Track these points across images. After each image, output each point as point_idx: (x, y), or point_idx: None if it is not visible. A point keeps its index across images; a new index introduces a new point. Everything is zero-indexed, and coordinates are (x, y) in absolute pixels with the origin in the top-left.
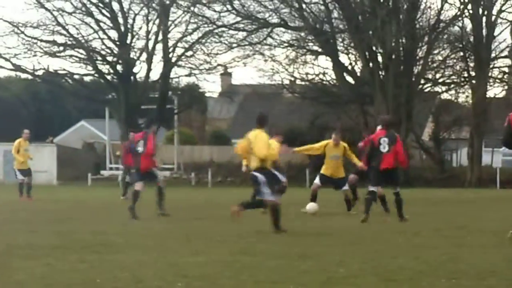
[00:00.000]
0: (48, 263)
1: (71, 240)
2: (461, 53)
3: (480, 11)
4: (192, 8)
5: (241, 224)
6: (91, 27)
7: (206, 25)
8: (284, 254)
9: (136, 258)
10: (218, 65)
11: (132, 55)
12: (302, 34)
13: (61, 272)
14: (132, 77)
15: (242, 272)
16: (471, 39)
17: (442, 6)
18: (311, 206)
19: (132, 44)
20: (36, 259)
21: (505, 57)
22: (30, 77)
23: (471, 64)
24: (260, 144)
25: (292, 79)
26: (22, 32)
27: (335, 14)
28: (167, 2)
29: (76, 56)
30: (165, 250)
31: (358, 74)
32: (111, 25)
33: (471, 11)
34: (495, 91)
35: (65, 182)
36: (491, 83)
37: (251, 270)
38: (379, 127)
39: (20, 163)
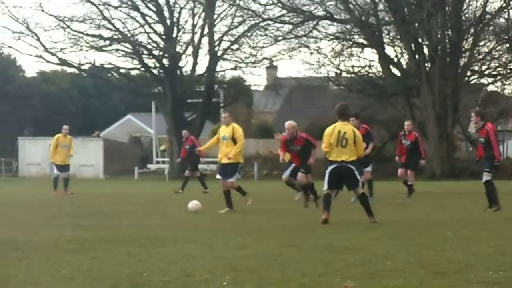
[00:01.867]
0: (95, 257)
1: (118, 234)
2: (507, 45)
3: None
4: (237, 1)
5: (287, 218)
6: (137, 21)
7: (251, 18)
8: (330, 247)
9: (184, 252)
10: (264, 58)
11: (178, 48)
12: (348, 26)
13: (108, 266)
14: (178, 71)
15: (289, 265)
16: None
17: None
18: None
19: (178, 38)
20: (83, 253)
21: None
22: (76, 71)
23: None
24: (361, 142)
25: (338, 71)
26: (68, 27)
27: (380, 6)
28: None
29: (122, 50)
30: (212, 244)
31: (404, 66)
32: (157, 19)
33: None
34: None
35: (111, 176)
36: None
37: (298, 263)
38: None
39: (57, 158)
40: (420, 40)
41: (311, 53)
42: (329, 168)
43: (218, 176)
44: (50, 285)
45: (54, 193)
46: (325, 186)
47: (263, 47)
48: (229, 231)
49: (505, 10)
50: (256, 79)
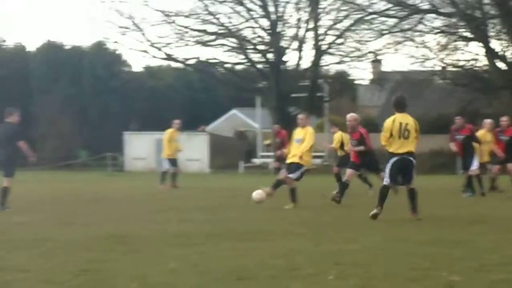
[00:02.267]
0: (201, 251)
1: (224, 228)
2: None
3: None
4: None
5: (391, 212)
6: (242, 16)
7: (356, 12)
8: (436, 241)
9: (289, 246)
10: (369, 52)
11: (282, 43)
12: (453, 20)
13: (214, 259)
14: (282, 65)
15: (395, 259)
16: None
17: None
18: None
19: (283, 32)
20: (189, 246)
21: None
22: (181, 66)
23: None
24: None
25: (443, 65)
26: (174, 22)
27: None
28: None
29: (227, 45)
30: (318, 238)
31: (510, 60)
32: (262, 13)
33: None
34: None
35: (217, 170)
36: None
37: (404, 257)
38: None
39: (169, 152)
40: None
41: (416, 47)
42: (392, 161)
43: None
44: (157, 278)
45: (162, 187)
46: (387, 179)
47: (368, 41)
48: (334, 225)
49: None
50: (361, 73)
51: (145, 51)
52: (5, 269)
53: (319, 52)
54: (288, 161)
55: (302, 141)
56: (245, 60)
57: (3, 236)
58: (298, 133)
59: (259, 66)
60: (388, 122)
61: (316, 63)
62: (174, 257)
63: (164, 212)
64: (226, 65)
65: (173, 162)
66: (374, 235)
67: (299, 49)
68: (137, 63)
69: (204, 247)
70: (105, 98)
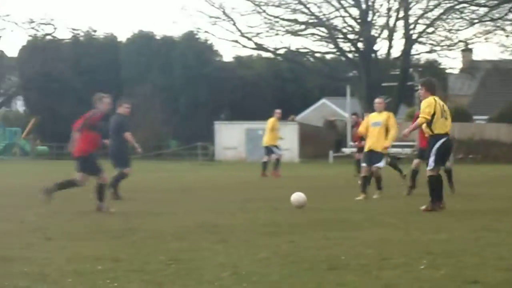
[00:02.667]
0: (292, 241)
1: (314, 217)
2: None
3: None
4: None
5: (480, 202)
6: (332, 5)
7: (447, 1)
8: None
9: (380, 235)
10: (459, 41)
11: (373, 32)
12: None
13: (305, 249)
14: (373, 55)
15: (485, 249)
16: None
17: None
18: None
19: (373, 22)
20: (280, 236)
21: None
22: (272, 56)
23: None
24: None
25: None
26: (264, 11)
27: None
28: None
29: (318, 35)
30: (408, 227)
31: None
32: (352, 2)
33: None
34: None
35: (306, 159)
36: None
37: (494, 247)
38: None
39: (271, 141)
40: None
41: (507, 36)
42: (440, 142)
43: (363, 164)
44: (248, 268)
45: (271, 174)
46: (432, 164)
47: (458, 30)
48: (425, 215)
49: None
50: (451, 62)
51: (236, 41)
52: (98, 258)
53: (410, 41)
54: (371, 149)
55: (381, 125)
56: (335, 50)
57: (96, 226)
58: (374, 117)
59: (349, 55)
60: (431, 100)
61: (406, 52)
62: (265, 246)
63: (254, 202)
64: (316, 55)
65: (272, 150)
66: (463, 224)
67: (390, 38)
68: (227, 53)
69: (294, 237)
70: (195, 88)
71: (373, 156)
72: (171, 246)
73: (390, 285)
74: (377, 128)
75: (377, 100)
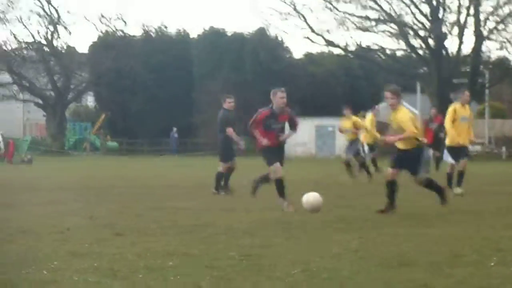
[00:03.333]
0: (362, 236)
1: (384, 214)
2: None
3: None
4: None
5: None
6: (403, 2)
7: None
8: None
9: (450, 232)
10: None
11: (444, 29)
12: None
13: (375, 245)
14: (443, 51)
15: None
16: None
17: None
18: None
19: (444, 18)
20: (350, 232)
21: None
22: (342, 52)
23: None
24: None
25: None
26: (335, 8)
27: None
28: None
29: (388, 31)
30: (479, 224)
31: None
32: None
33: None
34: None
35: (380, 156)
36: None
37: None
38: None
39: (369, 139)
40: None
41: None
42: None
43: (450, 160)
44: (319, 264)
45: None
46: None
47: None
48: (496, 212)
49: None
50: None
51: (306, 37)
52: (170, 253)
53: (480, 38)
54: (461, 144)
55: (468, 120)
56: (405, 46)
57: (169, 221)
58: (462, 111)
59: (420, 52)
60: (409, 114)
61: (477, 49)
62: (336, 242)
63: (324, 198)
64: (386, 51)
65: (372, 148)
66: None
67: (460, 35)
68: (298, 49)
69: (365, 233)
70: (266, 84)
71: (463, 151)
72: (242, 242)
73: (461, 282)
74: (466, 123)
75: (467, 93)
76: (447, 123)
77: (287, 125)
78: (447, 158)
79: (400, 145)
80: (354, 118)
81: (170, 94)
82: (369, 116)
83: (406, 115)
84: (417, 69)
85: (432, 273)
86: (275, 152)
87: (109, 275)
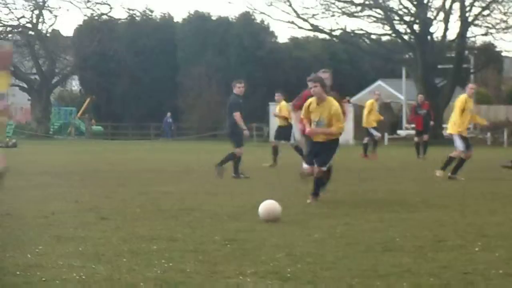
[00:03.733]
0: (347, 222)
1: (369, 199)
2: None
3: None
4: None
5: None
6: None
7: None
8: None
9: (435, 217)
10: None
11: (429, 14)
12: None
13: (361, 231)
14: (429, 37)
15: None
16: None
17: None
18: None
19: (429, 4)
20: (335, 218)
21: None
22: (327, 37)
23: None
24: None
25: None
26: None
27: None
28: None
29: (374, 16)
30: (463, 210)
31: None
32: None
33: None
34: None
35: (361, 141)
36: None
37: None
38: None
39: (370, 122)
40: None
41: None
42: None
43: (461, 146)
44: (303, 249)
45: (370, 156)
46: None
47: None
48: (479, 198)
49: None
50: (507, 45)
51: (291, 22)
52: (153, 238)
53: (465, 24)
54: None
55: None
56: (391, 31)
57: (152, 206)
58: (469, 103)
59: (405, 37)
60: (339, 107)
61: (462, 34)
62: (320, 228)
63: (308, 184)
64: (372, 36)
65: (370, 131)
66: None
67: (445, 20)
68: (283, 34)
69: (350, 219)
70: (250, 69)
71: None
72: (226, 226)
73: (445, 267)
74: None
75: (470, 85)
76: (457, 112)
77: None
78: (459, 144)
79: (318, 137)
80: (283, 103)
81: (154, 78)
82: (370, 101)
83: (339, 109)
84: (403, 54)
85: (417, 258)
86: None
87: (93, 259)
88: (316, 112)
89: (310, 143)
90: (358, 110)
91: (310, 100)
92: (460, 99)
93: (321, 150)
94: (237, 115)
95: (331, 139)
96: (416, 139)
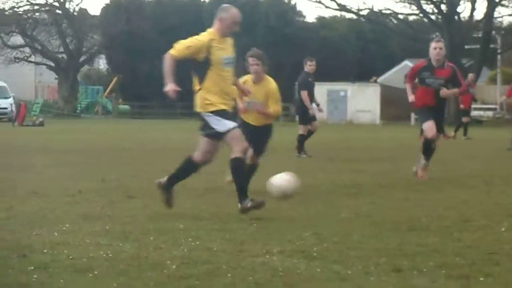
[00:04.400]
0: (373, 202)
1: (395, 178)
2: None
3: None
4: None
5: None
6: None
7: None
8: None
9: (461, 197)
10: None
11: None
12: None
13: (386, 210)
14: (456, 17)
15: None
16: None
17: None
18: None
19: None
20: (361, 197)
21: None
22: (354, 16)
23: None
24: None
25: None
26: None
27: None
28: None
29: None
30: (490, 190)
31: None
32: None
33: None
34: None
35: (388, 121)
36: None
37: None
38: None
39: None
40: None
41: None
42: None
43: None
44: (330, 228)
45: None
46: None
47: None
48: (507, 178)
49: None
50: None
51: (319, 1)
52: (180, 217)
53: (492, 4)
54: None
55: None
56: (418, 11)
57: (179, 184)
58: None
59: (432, 17)
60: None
61: (489, 14)
62: (346, 207)
63: (335, 162)
64: (399, 16)
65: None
66: None
67: (473, 0)
68: (310, 13)
69: (376, 198)
70: (278, 48)
71: None
72: None
73: (470, 246)
74: None
75: None
76: None
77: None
78: None
79: (251, 119)
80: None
81: None
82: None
83: (277, 89)
84: (430, 34)
85: (442, 237)
86: (429, 111)
87: (120, 238)
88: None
89: (243, 125)
90: (384, 90)
91: (245, 78)
92: None
93: (256, 137)
94: (304, 94)
95: (266, 123)
96: (465, 119)
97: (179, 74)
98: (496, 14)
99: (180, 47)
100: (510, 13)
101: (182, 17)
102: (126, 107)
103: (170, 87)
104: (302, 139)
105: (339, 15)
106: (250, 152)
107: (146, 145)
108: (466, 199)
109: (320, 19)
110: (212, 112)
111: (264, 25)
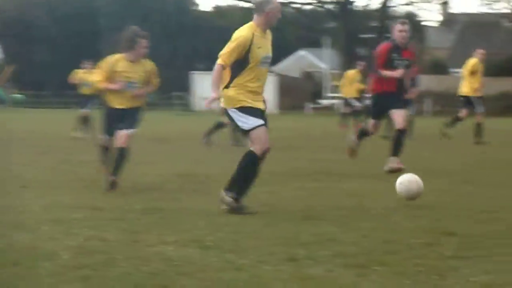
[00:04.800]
0: (270, 190)
1: (292, 168)
2: None
3: None
4: None
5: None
6: None
7: None
8: None
9: (357, 187)
10: None
11: None
12: None
13: (284, 199)
14: (351, 6)
15: (459, 200)
16: None
17: None
18: None
19: None
20: (257, 186)
21: None
22: (250, 6)
23: None
24: None
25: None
26: None
27: None
28: None
29: None
30: (388, 178)
31: None
32: None
33: None
34: None
35: (284, 110)
36: None
37: (469, 197)
38: None
39: (349, 93)
40: None
41: None
42: None
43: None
44: (225, 217)
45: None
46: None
47: None
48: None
49: None
50: (429, 15)
51: None
52: (75, 207)
53: None
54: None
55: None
56: (313, 0)
57: (74, 175)
58: (480, 66)
59: (328, 6)
60: None
61: (384, 4)
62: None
63: (231, 152)
64: (294, 5)
65: (350, 102)
66: (439, 177)
67: None
68: (206, 2)
69: (273, 187)
70: (173, 37)
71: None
72: (148, 195)
73: (367, 236)
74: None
75: (479, 51)
76: (466, 74)
77: None
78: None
79: (120, 103)
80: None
81: (75, 45)
82: (352, 71)
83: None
84: (325, 24)
85: (339, 227)
86: (389, 99)
87: (14, 227)
88: (129, 72)
89: (108, 111)
90: (281, 79)
91: (117, 57)
92: (471, 62)
93: (126, 116)
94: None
95: (136, 105)
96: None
97: (70, 65)
98: (391, 4)
99: (226, 54)
100: (405, 2)
101: (76, 5)
102: (21, 96)
103: (212, 97)
104: (215, 128)
105: (234, 4)
106: (124, 134)
107: (39, 134)
108: (362, 188)
109: (216, 8)
110: (237, 108)
111: (159, 12)
